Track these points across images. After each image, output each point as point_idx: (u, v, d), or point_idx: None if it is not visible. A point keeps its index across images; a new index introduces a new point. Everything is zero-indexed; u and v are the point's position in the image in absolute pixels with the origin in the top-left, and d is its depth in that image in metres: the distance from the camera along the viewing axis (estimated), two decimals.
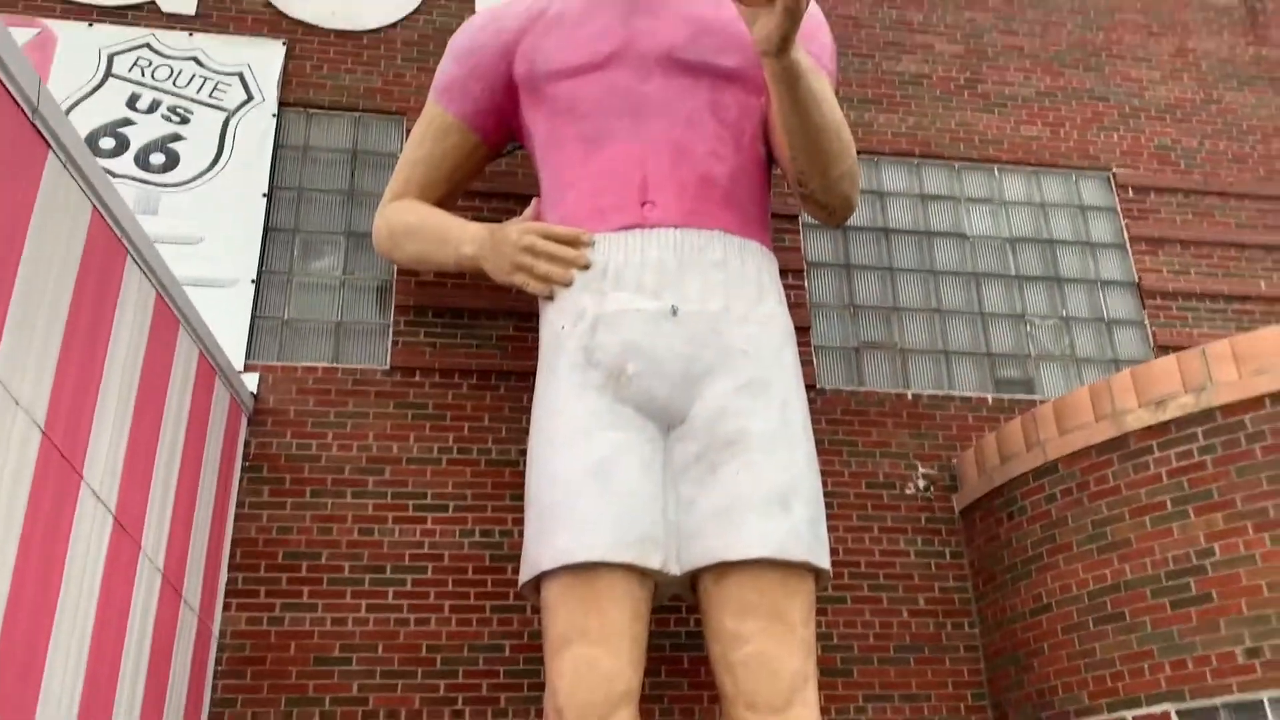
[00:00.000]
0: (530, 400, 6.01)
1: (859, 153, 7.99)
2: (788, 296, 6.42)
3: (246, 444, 6.48)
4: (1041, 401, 7.47)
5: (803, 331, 7.37)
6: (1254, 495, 5.34)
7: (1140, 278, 8.16)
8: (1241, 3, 9.68)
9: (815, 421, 6.65)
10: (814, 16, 6.40)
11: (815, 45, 6.24)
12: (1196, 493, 5.55)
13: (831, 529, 6.42)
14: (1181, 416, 5.67)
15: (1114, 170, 8.58)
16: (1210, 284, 8.20)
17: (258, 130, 7.28)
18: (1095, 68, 9.04)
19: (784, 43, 5.12)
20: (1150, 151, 8.73)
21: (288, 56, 7.62)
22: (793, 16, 4.99)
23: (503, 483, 6.62)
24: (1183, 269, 8.23)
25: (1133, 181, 8.53)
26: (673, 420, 5.43)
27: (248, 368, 6.68)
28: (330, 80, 7.65)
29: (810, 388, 7.16)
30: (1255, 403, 5.46)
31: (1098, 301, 8.10)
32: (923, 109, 8.55)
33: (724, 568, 5.15)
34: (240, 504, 6.33)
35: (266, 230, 7.09)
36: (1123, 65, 9.11)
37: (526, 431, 5.96)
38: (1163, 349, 7.85)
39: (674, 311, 5.54)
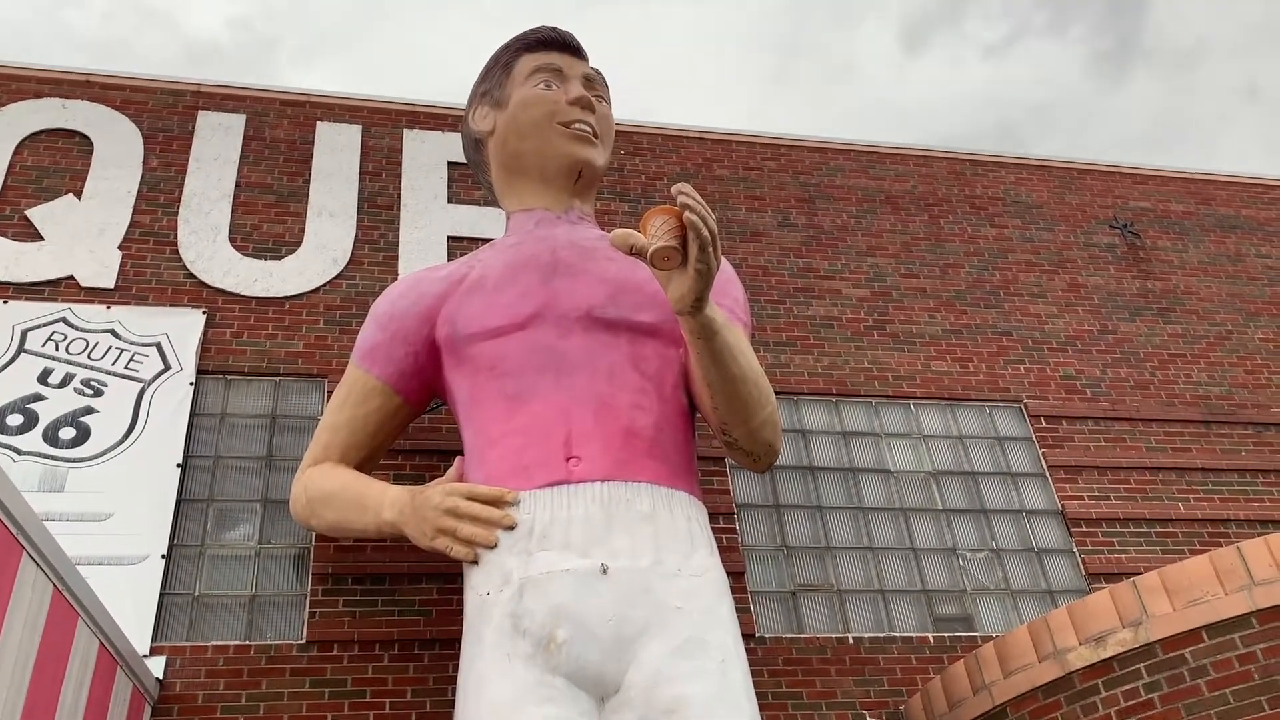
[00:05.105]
0: (457, 669, 5.70)
1: (779, 393, 8.18)
2: (719, 541, 6.32)
3: None
4: (982, 639, 7.36)
5: (737, 577, 7.24)
6: None
7: (1063, 506, 8.27)
8: (1122, 240, 10.40)
9: (756, 674, 6.42)
10: (725, 272, 6.65)
11: (728, 299, 6.45)
12: None
13: None
14: (1122, 653, 5.58)
15: (1025, 401, 8.86)
16: (1131, 508, 8.34)
17: (174, 400, 7.17)
18: (995, 305, 9.51)
19: (698, 303, 5.27)
20: (1057, 382, 9.07)
21: (207, 325, 7.64)
22: (704, 278, 5.16)
23: None
24: (1102, 495, 8.37)
25: (1044, 411, 8.81)
26: (607, 690, 5.16)
27: (154, 650, 6.27)
28: (250, 346, 7.65)
29: (749, 637, 6.96)
30: (1193, 636, 5.41)
31: (1025, 531, 8.15)
32: (836, 349, 8.82)
33: None
34: None
35: (179, 502, 6.85)
36: (1020, 301, 9.60)
37: (453, 704, 5.62)
38: (1094, 576, 7.88)
39: (603, 570, 5.38)
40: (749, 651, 5.97)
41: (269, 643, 6.47)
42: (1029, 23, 46.56)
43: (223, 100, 8.98)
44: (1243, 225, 10.96)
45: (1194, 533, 8.28)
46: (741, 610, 6.91)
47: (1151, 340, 9.64)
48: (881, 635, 7.37)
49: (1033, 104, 45.03)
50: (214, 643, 6.41)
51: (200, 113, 8.83)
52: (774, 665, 7.06)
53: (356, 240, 8.37)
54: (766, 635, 7.21)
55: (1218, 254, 10.60)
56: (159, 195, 8.28)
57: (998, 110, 44.80)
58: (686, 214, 4.98)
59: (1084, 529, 8.17)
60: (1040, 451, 8.59)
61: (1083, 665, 5.70)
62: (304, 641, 6.50)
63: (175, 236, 8.06)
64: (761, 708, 5.57)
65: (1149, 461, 8.68)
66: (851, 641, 7.28)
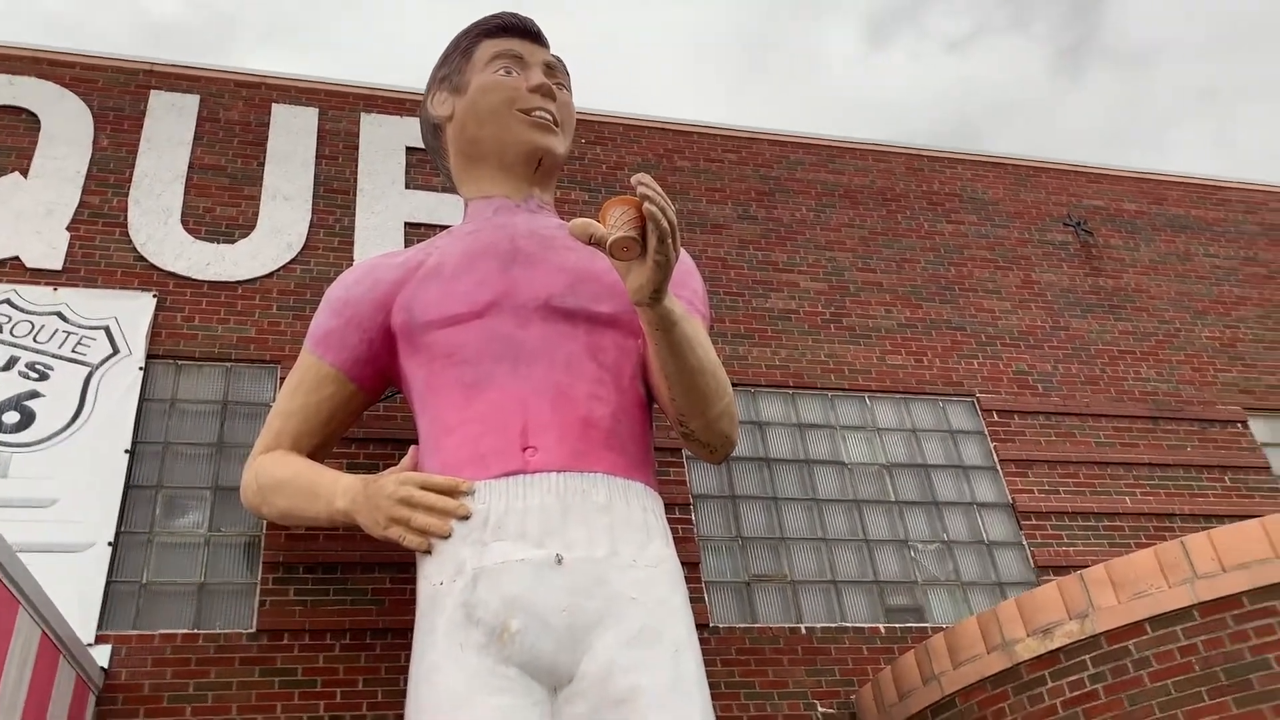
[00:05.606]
0: (409, 659, 5.66)
1: (737, 385, 8.19)
2: (675, 531, 6.33)
3: None
4: (933, 630, 7.45)
5: (692, 567, 7.26)
6: None
7: (1014, 499, 8.39)
8: (1075, 238, 10.54)
9: (710, 663, 6.46)
10: (684, 263, 6.64)
11: (687, 291, 6.45)
12: None
13: None
14: (1069, 645, 5.68)
15: (977, 395, 8.97)
16: (1079, 502, 8.47)
17: (122, 384, 7.04)
18: (950, 300, 9.60)
19: (656, 294, 5.27)
20: (1009, 377, 9.19)
21: (158, 309, 7.50)
22: (663, 270, 5.16)
23: None
24: (1052, 489, 8.50)
25: (996, 406, 8.92)
26: (560, 680, 5.15)
27: (99, 639, 6.17)
28: (201, 331, 7.53)
29: (703, 627, 6.99)
30: (1137, 628, 5.51)
31: (976, 524, 8.26)
32: (794, 342, 8.87)
33: None
34: None
35: (127, 488, 6.74)
36: (975, 297, 9.70)
37: (405, 694, 5.58)
38: (1042, 569, 8.00)
39: (558, 560, 5.37)
40: (702, 641, 6.00)
41: (218, 631, 6.39)
42: (991, 19, 47.04)
43: (176, 80, 8.81)
44: (1192, 225, 11.16)
45: (1140, 527, 8.43)
46: (696, 600, 6.93)
47: (1102, 337, 9.80)
48: (834, 625, 7.43)
49: (993, 99, 45.57)
50: (161, 631, 6.32)
51: (153, 92, 8.65)
52: (727, 655, 7.10)
53: (311, 225, 8.26)
54: (720, 625, 7.25)
55: (1168, 253, 10.79)
56: (109, 176, 8.11)
57: (959, 105, 45.26)
58: (646, 205, 4.97)
59: (1033, 522, 8.29)
60: (992, 445, 8.70)
61: (1030, 656, 5.78)
62: (254, 630, 6.43)
63: (125, 218, 7.91)
64: (714, 697, 5.59)
65: (1098, 456, 8.83)
66: (804, 632, 7.34)
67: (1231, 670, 5.22)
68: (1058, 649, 5.70)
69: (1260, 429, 9.57)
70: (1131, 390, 9.46)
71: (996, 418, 8.86)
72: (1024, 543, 8.19)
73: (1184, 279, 10.60)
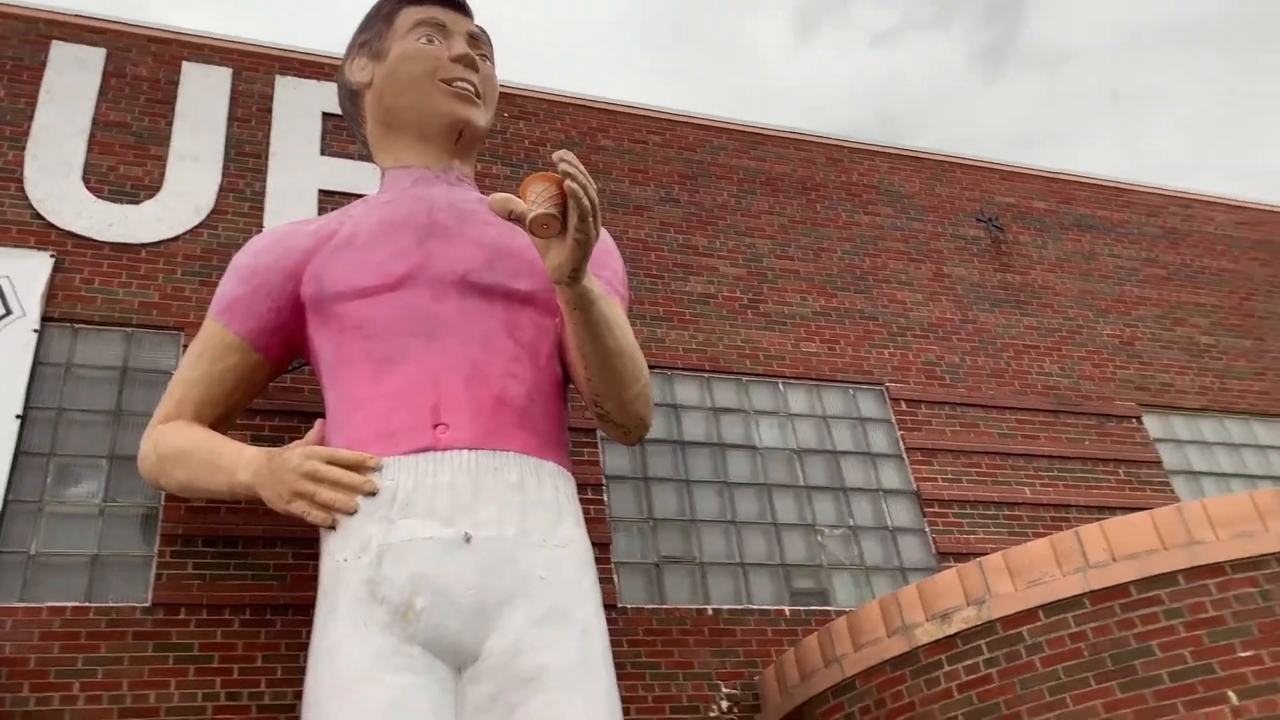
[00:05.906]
0: (310, 636, 5.55)
1: (653, 368, 8.21)
2: (587, 512, 6.32)
3: None
4: (836, 613, 7.59)
5: (603, 548, 7.28)
6: (1038, 708, 5.48)
7: (918, 486, 8.58)
8: (986, 234, 10.79)
9: (617, 644, 6.46)
10: (605, 243, 6.61)
11: (607, 271, 6.42)
12: (985, 707, 5.65)
13: None
14: (966, 629, 5.84)
15: (887, 384, 9.14)
16: (981, 491, 8.70)
17: (14, 347, 6.74)
18: (864, 290, 9.75)
19: (575, 273, 5.23)
20: (918, 367, 9.38)
21: (55, 269, 7.19)
22: (583, 249, 5.12)
23: None
24: (955, 477, 8.72)
25: (904, 395, 9.10)
26: (464, 659, 5.11)
27: None
28: (101, 294, 7.25)
29: (611, 607, 6.99)
30: (1031, 615, 5.69)
31: (881, 510, 8.43)
32: (710, 326, 8.91)
33: None
34: None
35: (17, 455, 6.47)
36: (888, 288, 9.87)
37: (305, 671, 5.48)
38: (943, 555, 8.20)
39: (467, 539, 5.32)
40: (610, 622, 6.01)
41: (110, 605, 6.19)
42: (916, 14, 47.77)
43: (80, 31, 8.43)
44: (1098, 225, 11.50)
45: (1038, 517, 8.70)
46: (605, 581, 6.93)
47: (1009, 331, 10.06)
48: (739, 607, 7.52)
49: (914, 94, 46.31)
50: (49, 604, 6.09)
51: (54, 43, 8.26)
52: (634, 635, 7.13)
53: (221, 188, 8.00)
54: (628, 606, 7.27)
55: (1074, 251, 11.11)
56: (5, 128, 7.73)
57: (880, 97, 45.91)
58: (567, 182, 4.92)
59: (936, 509, 8.49)
60: (899, 433, 8.87)
61: (928, 640, 5.93)
62: (149, 604, 6.24)
63: (21, 173, 7.55)
64: (620, 677, 5.61)
65: (1000, 447, 9.07)
66: (711, 613, 7.41)
67: (1117, 656, 5.42)
68: (955, 634, 5.86)
69: (1153, 425, 9.94)
70: (1034, 384, 9.74)
71: (905, 407, 9.04)
72: (926, 529, 8.39)
73: (1088, 277, 10.94)
